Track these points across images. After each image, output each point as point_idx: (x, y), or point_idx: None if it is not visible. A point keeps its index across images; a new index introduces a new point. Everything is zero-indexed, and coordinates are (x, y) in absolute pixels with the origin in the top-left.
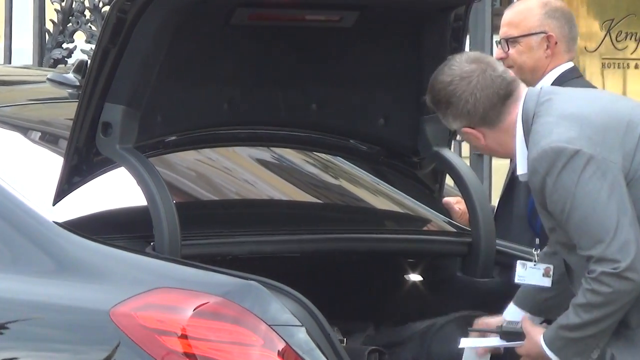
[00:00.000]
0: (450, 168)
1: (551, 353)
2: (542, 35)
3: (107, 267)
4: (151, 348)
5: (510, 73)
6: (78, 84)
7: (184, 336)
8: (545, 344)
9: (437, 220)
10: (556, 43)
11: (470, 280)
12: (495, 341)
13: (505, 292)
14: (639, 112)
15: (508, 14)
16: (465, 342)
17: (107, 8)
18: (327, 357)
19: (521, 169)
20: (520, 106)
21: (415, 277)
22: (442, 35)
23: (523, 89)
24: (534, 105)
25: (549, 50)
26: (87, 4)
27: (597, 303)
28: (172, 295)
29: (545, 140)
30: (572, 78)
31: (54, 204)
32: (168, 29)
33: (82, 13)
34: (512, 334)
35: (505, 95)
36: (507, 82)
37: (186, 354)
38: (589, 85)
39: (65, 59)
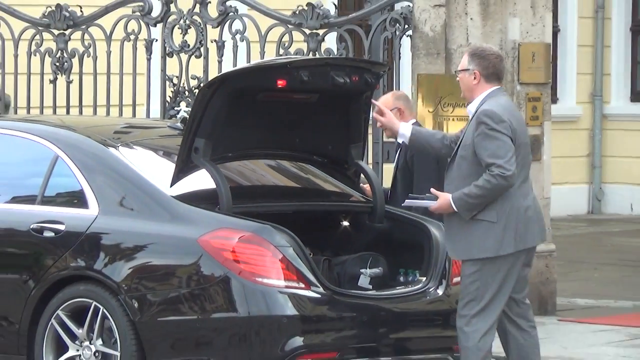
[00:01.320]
0: (363, 170)
1: (454, 207)
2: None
3: (196, 217)
4: (217, 257)
5: None
6: (182, 128)
7: (233, 251)
8: (452, 201)
9: (357, 195)
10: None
11: (372, 225)
12: (420, 203)
13: (390, 231)
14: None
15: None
16: (407, 202)
17: (196, 90)
18: (303, 262)
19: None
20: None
21: (346, 224)
22: (359, 104)
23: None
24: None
25: None
26: (186, 86)
27: (488, 187)
28: (227, 232)
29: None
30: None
31: (170, 186)
32: (226, 101)
33: (184, 92)
34: (430, 198)
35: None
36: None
37: (234, 260)
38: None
39: (175, 115)
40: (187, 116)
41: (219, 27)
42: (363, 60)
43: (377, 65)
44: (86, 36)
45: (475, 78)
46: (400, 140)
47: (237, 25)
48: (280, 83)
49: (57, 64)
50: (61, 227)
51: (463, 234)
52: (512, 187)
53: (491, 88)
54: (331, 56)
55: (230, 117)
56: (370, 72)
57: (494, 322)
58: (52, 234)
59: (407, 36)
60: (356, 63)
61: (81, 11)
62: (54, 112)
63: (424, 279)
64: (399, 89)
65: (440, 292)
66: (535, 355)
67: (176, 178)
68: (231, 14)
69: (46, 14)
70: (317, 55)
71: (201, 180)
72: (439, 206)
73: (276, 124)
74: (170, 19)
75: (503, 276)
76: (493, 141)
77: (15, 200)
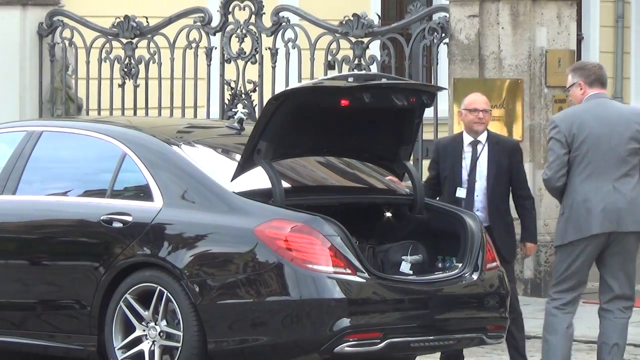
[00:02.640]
0: (407, 168)
1: None
2: None
3: (251, 209)
4: (271, 246)
5: None
6: (239, 128)
7: (286, 240)
8: None
9: (399, 189)
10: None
11: (413, 216)
12: None
13: (429, 221)
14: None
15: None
16: None
17: (252, 93)
18: (349, 250)
19: None
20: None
21: (389, 215)
22: (413, 114)
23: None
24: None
25: None
26: (242, 90)
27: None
28: (280, 222)
29: None
30: None
31: (231, 181)
32: (289, 113)
33: (241, 94)
34: None
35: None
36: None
37: (287, 248)
38: None
39: (233, 116)
40: (244, 117)
41: (273, 36)
42: (421, 84)
43: (434, 88)
44: (152, 44)
45: (581, 88)
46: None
47: (289, 34)
48: (344, 103)
49: (125, 70)
50: (129, 219)
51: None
52: (574, 183)
53: (591, 93)
54: (392, 81)
55: (291, 124)
56: (427, 93)
57: (574, 302)
58: (121, 225)
59: (444, 44)
60: (415, 86)
61: (147, 22)
62: (122, 113)
63: (460, 265)
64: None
65: (475, 277)
66: (619, 336)
67: (237, 174)
68: (284, 23)
69: (115, 24)
70: (362, 62)
71: (259, 177)
72: None
73: (333, 128)
74: (228, 29)
75: (572, 261)
76: (548, 145)
77: (87, 193)
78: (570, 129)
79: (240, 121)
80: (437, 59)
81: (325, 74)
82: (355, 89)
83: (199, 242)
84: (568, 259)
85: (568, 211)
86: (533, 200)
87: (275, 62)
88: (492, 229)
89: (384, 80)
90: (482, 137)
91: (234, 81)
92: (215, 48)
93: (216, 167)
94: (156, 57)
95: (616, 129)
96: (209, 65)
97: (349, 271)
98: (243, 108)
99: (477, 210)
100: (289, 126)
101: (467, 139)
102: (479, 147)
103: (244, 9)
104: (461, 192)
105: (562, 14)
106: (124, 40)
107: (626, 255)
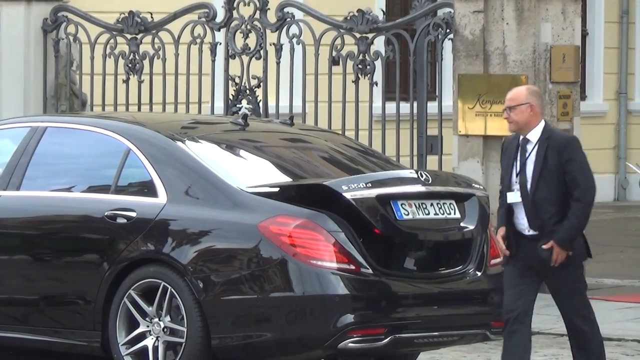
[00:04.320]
0: None
1: None
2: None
3: (255, 205)
4: (275, 241)
5: None
6: (243, 124)
7: (290, 236)
8: None
9: None
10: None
11: None
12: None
13: None
14: None
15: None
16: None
17: (258, 89)
18: (353, 246)
19: None
20: None
21: None
22: None
23: None
24: None
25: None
26: (247, 86)
27: None
28: (284, 218)
29: None
30: None
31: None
32: None
33: (245, 90)
34: None
35: None
36: None
37: (291, 244)
38: None
39: (237, 112)
40: (248, 113)
41: (277, 32)
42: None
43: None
44: (156, 40)
45: None
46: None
47: (293, 29)
48: None
49: (130, 65)
50: (133, 214)
51: None
52: None
53: None
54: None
55: None
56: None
57: None
58: (125, 221)
59: (449, 39)
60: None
61: (151, 17)
62: (127, 109)
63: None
64: (441, 88)
65: (479, 273)
66: None
67: None
68: (288, 19)
69: (120, 20)
70: (367, 58)
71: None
72: None
73: None
74: (232, 24)
75: None
76: None
77: (91, 189)
78: None
79: (245, 117)
80: (442, 55)
81: (330, 69)
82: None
83: (203, 238)
84: None
85: None
86: (583, 205)
87: (280, 57)
88: (540, 238)
89: None
90: (533, 135)
91: (239, 77)
92: (220, 44)
93: (220, 163)
94: (160, 52)
95: None
96: (213, 61)
97: (353, 267)
98: (247, 104)
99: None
100: None
101: (521, 137)
102: (529, 146)
103: (249, 5)
104: (511, 197)
105: (566, 10)
106: (129, 36)
107: None
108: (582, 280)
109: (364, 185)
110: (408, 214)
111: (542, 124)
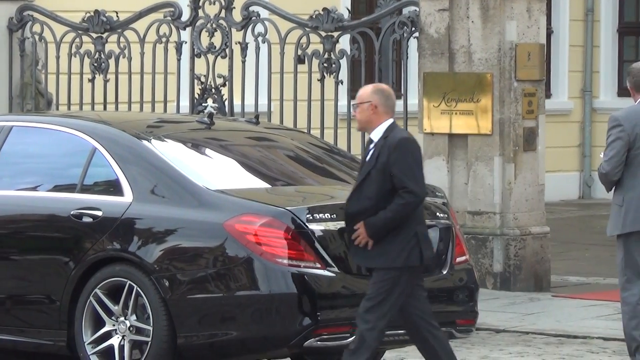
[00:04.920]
0: None
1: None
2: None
3: (221, 204)
4: (241, 240)
5: None
6: (209, 122)
7: (255, 235)
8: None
9: None
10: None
11: None
12: None
13: None
14: None
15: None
16: None
17: (223, 88)
18: (319, 244)
19: None
20: None
21: None
22: None
23: None
24: None
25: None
26: (212, 84)
27: (598, 175)
28: (250, 217)
29: None
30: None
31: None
32: None
33: (211, 89)
34: None
35: None
36: None
37: (257, 242)
38: None
39: (203, 111)
40: (214, 111)
41: (243, 30)
42: None
43: None
44: (122, 39)
45: (632, 92)
46: (375, 138)
47: (259, 28)
48: None
49: (95, 64)
50: (99, 213)
51: (610, 214)
52: (638, 177)
53: (638, 98)
54: None
55: None
56: None
57: (638, 289)
58: (91, 220)
59: (414, 38)
60: None
61: (117, 16)
62: (92, 108)
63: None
64: (406, 87)
65: (444, 271)
66: None
67: None
68: (254, 18)
69: (85, 18)
70: (332, 56)
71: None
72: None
73: None
74: (198, 23)
75: (633, 250)
76: (607, 141)
77: (57, 188)
78: (634, 128)
79: (210, 115)
80: (407, 53)
81: (296, 68)
82: None
83: (168, 237)
84: (629, 247)
85: (628, 203)
86: (403, 202)
87: (245, 56)
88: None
89: None
90: (375, 134)
91: (204, 75)
92: (185, 42)
93: (186, 161)
94: (126, 51)
95: None
96: (179, 60)
97: (319, 265)
98: (213, 102)
99: None
100: None
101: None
102: (370, 145)
103: (214, 4)
104: None
105: (531, 8)
106: (94, 35)
107: None
108: (377, 286)
109: (328, 216)
110: None
111: (386, 123)
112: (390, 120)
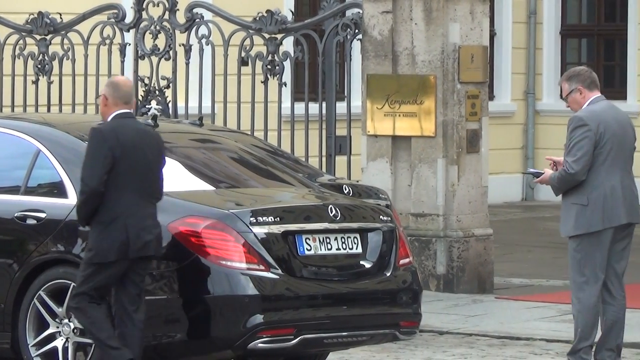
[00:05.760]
0: None
1: (551, 182)
2: None
3: (166, 206)
4: (185, 242)
5: None
6: (153, 124)
7: (199, 237)
8: (551, 177)
9: (313, 185)
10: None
11: None
12: (533, 171)
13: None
14: None
15: None
16: (527, 171)
17: (167, 90)
18: (263, 246)
19: None
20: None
21: None
22: None
23: None
24: None
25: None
26: (156, 86)
27: (559, 177)
28: (194, 219)
29: None
30: None
31: None
32: None
33: (154, 91)
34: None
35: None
36: None
37: (200, 245)
38: None
39: (147, 112)
40: (157, 113)
41: (187, 32)
42: None
43: None
44: (65, 41)
45: (581, 93)
46: None
47: (203, 30)
48: None
49: (39, 66)
50: (42, 215)
51: (564, 215)
52: (601, 176)
53: (593, 96)
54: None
55: None
56: None
57: (598, 288)
58: (35, 222)
59: (358, 40)
60: None
61: (61, 18)
62: (36, 110)
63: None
64: (350, 89)
65: (388, 273)
66: (623, 317)
67: None
68: (197, 20)
69: (29, 20)
70: (276, 58)
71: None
72: (541, 179)
73: None
74: (142, 25)
75: (594, 250)
76: (572, 141)
77: (1, 190)
78: (598, 127)
79: (154, 117)
80: (351, 55)
81: (239, 70)
82: None
83: None
84: (590, 247)
85: (594, 202)
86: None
87: (189, 58)
88: None
89: None
90: None
91: (148, 77)
92: (129, 44)
93: None
94: (70, 53)
95: (627, 130)
96: (122, 62)
97: (263, 267)
98: (157, 104)
99: None
100: None
101: None
102: None
103: (158, 5)
104: None
105: (475, 10)
106: (38, 37)
107: (630, 244)
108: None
109: (272, 219)
110: (310, 249)
111: (113, 115)
112: (121, 111)
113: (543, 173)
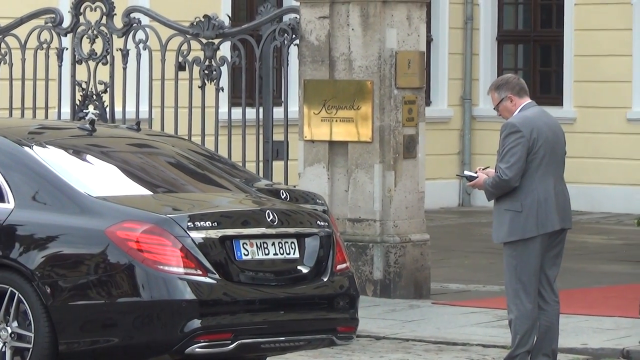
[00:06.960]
0: None
1: (485, 187)
2: None
3: (103, 210)
4: (123, 247)
5: None
6: (90, 129)
7: (137, 242)
8: (485, 182)
9: (249, 189)
10: None
11: None
12: (468, 174)
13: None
14: None
15: None
16: (462, 173)
17: (104, 94)
18: (200, 250)
19: None
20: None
21: None
22: None
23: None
24: None
25: None
26: (94, 91)
27: (494, 183)
28: (132, 223)
29: None
30: None
31: None
32: None
33: (92, 95)
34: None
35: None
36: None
37: (138, 249)
38: None
39: (84, 117)
40: (95, 118)
41: (124, 37)
42: None
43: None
44: (2, 45)
45: (511, 101)
46: None
47: (140, 35)
48: None
49: None
50: None
51: (497, 221)
52: (535, 182)
53: (524, 103)
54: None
55: None
56: None
57: (535, 294)
58: None
59: (295, 45)
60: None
61: None
62: None
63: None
64: (287, 94)
65: (325, 278)
66: (557, 323)
67: None
68: (135, 25)
69: None
70: (213, 63)
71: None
72: (475, 182)
73: None
74: (79, 30)
75: (529, 256)
76: (505, 147)
77: None
78: (531, 133)
79: (92, 122)
80: (288, 60)
81: (177, 75)
82: None
83: (50, 244)
84: (526, 254)
85: (528, 209)
86: None
87: (127, 63)
88: None
89: None
90: None
91: (85, 82)
92: (67, 49)
93: (68, 168)
94: (7, 57)
95: (559, 136)
96: (60, 66)
97: (200, 272)
98: (94, 109)
99: None
100: None
101: None
102: None
103: (95, 10)
104: None
105: (412, 16)
106: None
107: (562, 250)
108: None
109: (210, 224)
110: (248, 254)
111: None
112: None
113: (477, 176)
